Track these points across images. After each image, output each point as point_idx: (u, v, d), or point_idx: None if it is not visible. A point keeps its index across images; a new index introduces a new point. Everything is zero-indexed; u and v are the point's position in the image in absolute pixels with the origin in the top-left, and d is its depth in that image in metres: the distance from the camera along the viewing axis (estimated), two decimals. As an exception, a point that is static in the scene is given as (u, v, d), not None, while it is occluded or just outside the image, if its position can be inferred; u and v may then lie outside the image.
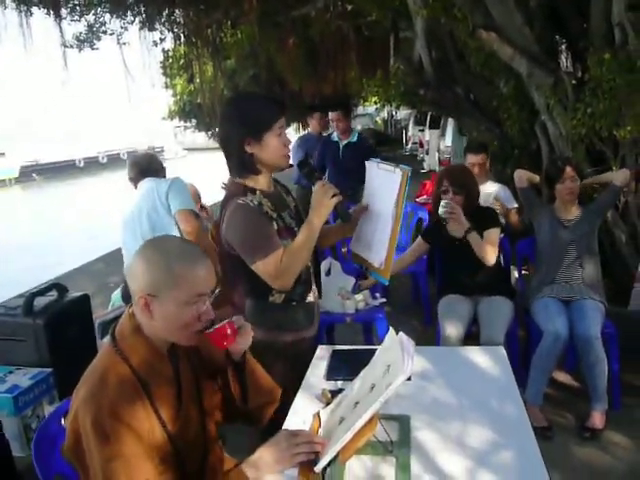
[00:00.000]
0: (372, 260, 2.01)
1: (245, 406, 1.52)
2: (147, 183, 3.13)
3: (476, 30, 4.16)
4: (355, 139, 5.00)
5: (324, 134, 5.58)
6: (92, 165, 31.35)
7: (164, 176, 3.24)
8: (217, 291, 2.55)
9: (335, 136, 5.04)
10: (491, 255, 2.92)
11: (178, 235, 2.93)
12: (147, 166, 3.20)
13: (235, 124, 1.83)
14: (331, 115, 4.99)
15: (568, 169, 3.05)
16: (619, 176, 3.15)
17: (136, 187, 3.19)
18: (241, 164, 1.86)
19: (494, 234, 2.99)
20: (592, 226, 3.13)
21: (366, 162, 2.10)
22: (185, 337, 1.34)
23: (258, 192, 1.87)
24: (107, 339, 1.36)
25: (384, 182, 1.96)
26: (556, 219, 3.13)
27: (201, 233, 3.04)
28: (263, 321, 1.89)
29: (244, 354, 1.48)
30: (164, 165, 3.34)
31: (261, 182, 1.90)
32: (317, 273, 2.08)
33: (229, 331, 1.36)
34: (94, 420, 1.19)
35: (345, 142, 4.97)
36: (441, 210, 2.94)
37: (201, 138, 17.62)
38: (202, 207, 3.78)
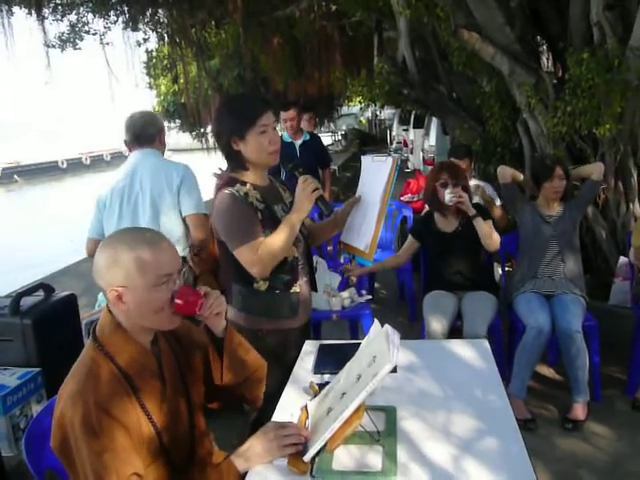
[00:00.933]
0: (358, 245, 2.08)
1: (225, 385, 1.53)
2: (149, 158, 2.77)
3: (458, 30, 4.22)
4: (308, 137, 5.01)
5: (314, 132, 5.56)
6: (75, 166, 31.05)
7: (161, 142, 2.88)
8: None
9: (287, 137, 4.90)
10: (496, 240, 3.01)
11: (184, 238, 2.79)
12: (140, 131, 2.79)
13: (222, 122, 1.94)
14: (284, 115, 4.84)
15: (558, 169, 3.12)
16: (595, 169, 3.23)
17: (129, 150, 2.85)
18: (231, 160, 1.97)
19: (489, 224, 3.06)
20: (573, 222, 3.20)
21: (362, 157, 2.21)
22: (165, 320, 1.35)
23: (249, 184, 1.94)
24: (89, 338, 1.37)
25: (376, 173, 2.06)
26: (538, 215, 3.19)
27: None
28: (247, 307, 2.00)
29: (226, 329, 1.49)
30: (162, 127, 2.93)
31: (253, 177, 1.97)
32: (310, 266, 2.13)
33: (191, 297, 1.36)
34: (82, 416, 1.20)
35: (300, 142, 4.96)
36: (448, 197, 3.00)
37: (185, 139, 17.50)
38: None
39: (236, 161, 1.95)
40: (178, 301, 1.33)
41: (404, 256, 3.32)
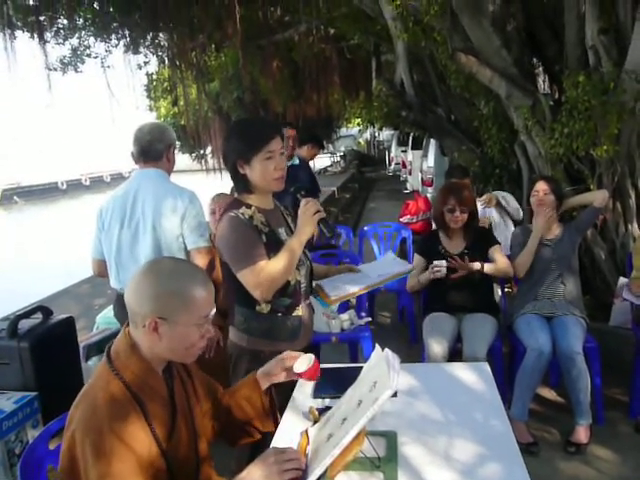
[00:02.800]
0: (329, 292, 2.23)
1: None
2: (152, 182, 2.62)
3: (455, 53, 4.27)
4: (297, 162, 4.74)
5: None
6: (75, 187, 31.20)
7: (169, 160, 2.72)
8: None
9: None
10: (510, 268, 3.09)
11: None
12: (147, 146, 2.62)
13: (230, 146, 1.95)
14: (287, 132, 4.54)
15: (540, 182, 3.18)
16: (598, 197, 3.23)
17: (136, 164, 2.70)
18: (236, 183, 1.99)
19: (499, 250, 3.14)
20: (573, 245, 3.20)
21: (389, 252, 2.69)
22: (189, 355, 1.39)
23: (254, 207, 1.96)
24: (102, 359, 1.36)
25: (389, 263, 2.43)
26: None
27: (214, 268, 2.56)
28: (249, 329, 2.00)
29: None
30: (172, 142, 2.74)
31: (258, 200, 1.99)
32: (312, 290, 2.15)
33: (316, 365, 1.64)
34: (92, 439, 1.20)
35: (289, 164, 4.85)
36: (436, 273, 3.02)
37: (185, 160, 17.59)
38: None
39: (241, 184, 1.97)
40: (306, 370, 1.60)
41: (417, 274, 3.26)
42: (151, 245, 2.60)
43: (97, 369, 1.36)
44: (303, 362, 1.62)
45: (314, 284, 2.23)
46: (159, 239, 2.60)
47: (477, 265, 3.03)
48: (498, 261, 3.09)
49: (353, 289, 2.23)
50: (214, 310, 1.39)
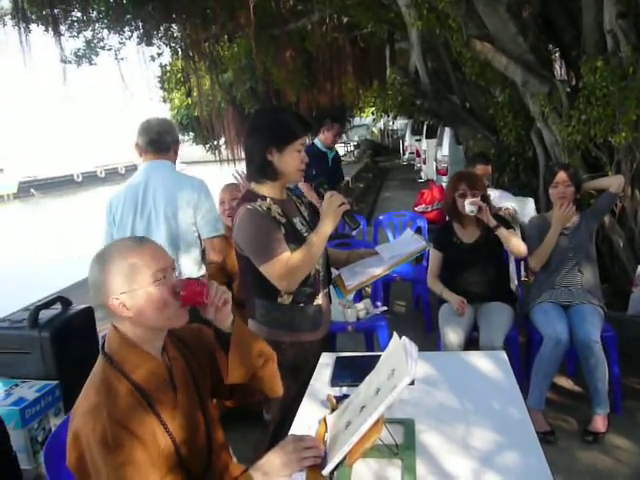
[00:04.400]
0: (347, 281, 2.21)
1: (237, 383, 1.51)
2: (163, 171, 2.66)
3: (471, 40, 4.23)
4: (334, 152, 5.17)
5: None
6: (90, 180, 31.44)
7: (175, 153, 2.77)
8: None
9: (322, 147, 5.03)
10: (523, 246, 3.03)
11: (200, 256, 2.74)
12: (157, 137, 2.66)
13: (263, 133, 1.96)
14: (336, 128, 5.02)
15: (561, 173, 3.09)
16: (614, 182, 3.19)
17: (140, 155, 2.72)
18: (261, 170, 1.97)
19: (514, 233, 3.10)
20: (590, 232, 3.16)
21: (407, 229, 2.55)
22: (172, 316, 1.36)
23: (269, 199, 1.96)
24: (99, 355, 1.37)
25: (406, 243, 2.35)
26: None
27: (232, 259, 2.47)
28: (270, 320, 2.00)
29: (233, 322, 1.46)
30: (178, 138, 2.81)
31: (274, 191, 2.00)
32: (329, 278, 2.15)
33: (196, 287, 1.36)
34: (97, 432, 1.20)
35: (332, 154, 5.10)
36: (469, 208, 3.00)
37: (199, 151, 17.62)
38: None
39: (267, 171, 1.96)
40: (183, 292, 1.34)
41: (436, 270, 3.26)
42: (165, 236, 2.63)
43: (95, 366, 1.36)
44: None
45: (334, 273, 2.23)
46: (173, 229, 2.63)
47: (493, 222, 3.02)
48: (513, 239, 3.04)
49: (368, 275, 2.20)
50: (170, 261, 1.38)
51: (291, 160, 1.94)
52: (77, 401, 1.31)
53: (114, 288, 1.30)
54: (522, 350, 3.16)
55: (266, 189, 1.99)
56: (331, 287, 2.20)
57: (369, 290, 3.36)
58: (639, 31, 3.44)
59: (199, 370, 1.49)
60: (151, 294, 1.31)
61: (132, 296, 1.31)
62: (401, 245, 2.35)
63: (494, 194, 3.92)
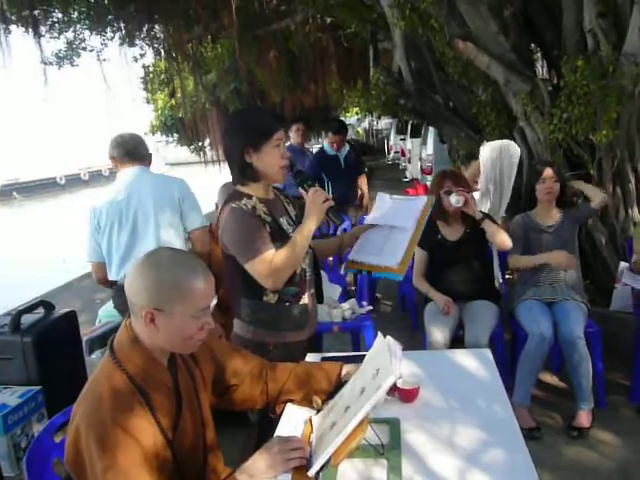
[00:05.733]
0: (383, 263, 2.08)
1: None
2: (146, 173, 2.78)
3: (453, 40, 4.24)
4: (347, 150, 5.13)
5: (306, 145, 5.63)
6: (74, 182, 31.11)
7: (149, 164, 2.89)
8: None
9: (329, 150, 5.06)
10: (507, 239, 3.01)
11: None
12: (133, 149, 2.79)
13: (237, 134, 1.94)
14: (332, 138, 5.01)
15: (547, 170, 3.13)
16: (597, 198, 3.26)
17: (116, 167, 2.82)
18: (242, 173, 1.96)
19: (496, 226, 3.09)
20: (572, 231, 3.20)
21: (378, 193, 2.33)
22: (188, 347, 1.38)
23: (254, 198, 1.95)
24: (105, 352, 1.37)
25: (401, 206, 2.22)
26: (538, 226, 3.20)
27: (216, 253, 2.55)
28: (256, 320, 2.00)
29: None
30: (151, 153, 2.94)
31: (259, 190, 1.98)
32: (317, 277, 2.13)
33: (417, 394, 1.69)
34: (96, 431, 1.21)
35: (343, 154, 5.09)
36: (455, 199, 3.01)
37: (183, 153, 17.54)
38: None
39: (247, 173, 1.95)
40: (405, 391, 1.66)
41: (421, 269, 3.27)
42: (152, 233, 2.68)
43: (101, 362, 1.36)
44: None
45: (344, 262, 2.20)
46: (158, 226, 2.69)
47: (479, 215, 3.04)
48: (498, 232, 3.04)
49: (402, 248, 2.05)
50: (214, 302, 1.39)
51: (270, 158, 1.92)
52: (79, 398, 1.31)
53: (154, 299, 1.29)
54: (507, 347, 3.18)
55: (251, 190, 1.98)
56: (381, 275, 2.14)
57: (354, 289, 3.36)
58: (619, 30, 3.48)
59: (200, 376, 1.50)
60: (184, 325, 1.32)
61: (166, 317, 1.30)
62: (397, 207, 2.22)
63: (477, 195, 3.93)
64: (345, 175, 5.04)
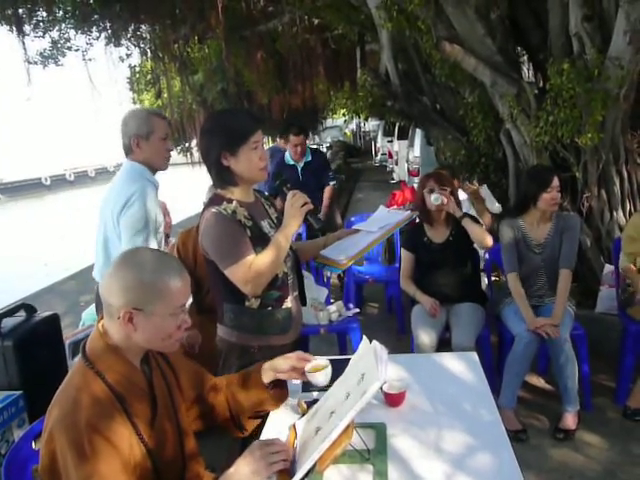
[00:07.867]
0: (336, 258, 2.09)
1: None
2: (116, 177, 2.57)
3: (440, 42, 4.25)
4: (310, 157, 4.96)
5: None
6: (59, 183, 30.85)
7: (139, 147, 2.49)
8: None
9: (289, 159, 4.92)
10: (488, 238, 3.01)
11: None
12: (122, 141, 2.55)
13: (213, 138, 1.90)
14: (294, 140, 4.82)
15: (555, 179, 2.99)
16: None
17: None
18: (220, 177, 1.92)
19: (477, 225, 3.08)
20: (559, 244, 3.05)
21: (381, 206, 2.43)
22: (166, 346, 1.37)
23: (235, 202, 1.91)
24: (78, 357, 1.34)
25: (387, 216, 2.29)
26: (527, 243, 3.09)
27: (202, 258, 2.28)
28: (239, 325, 1.97)
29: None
30: (135, 131, 2.49)
31: (239, 193, 1.94)
32: (300, 280, 2.11)
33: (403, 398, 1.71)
34: (71, 438, 1.18)
35: (302, 163, 4.92)
36: (434, 197, 3.01)
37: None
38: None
39: (226, 177, 1.91)
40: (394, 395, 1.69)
41: (408, 271, 3.25)
42: (101, 242, 2.56)
43: (75, 367, 1.33)
44: (318, 366, 1.67)
45: (317, 256, 2.18)
46: (107, 238, 2.53)
47: (460, 213, 3.05)
48: (477, 229, 3.03)
49: (361, 246, 2.12)
50: (190, 300, 1.38)
51: (248, 161, 1.88)
52: (51, 403, 1.28)
53: (132, 300, 1.28)
54: (494, 349, 3.18)
55: (231, 193, 1.94)
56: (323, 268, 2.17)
57: (341, 292, 3.35)
58: (604, 34, 3.50)
59: (174, 381, 1.48)
60: (163, 324, 1.31)
61: (145, 316, 1.29)
62: (384, 218, 2.29)
63: (463, 196, 3.93)
64: (302, 189, 4.78)
